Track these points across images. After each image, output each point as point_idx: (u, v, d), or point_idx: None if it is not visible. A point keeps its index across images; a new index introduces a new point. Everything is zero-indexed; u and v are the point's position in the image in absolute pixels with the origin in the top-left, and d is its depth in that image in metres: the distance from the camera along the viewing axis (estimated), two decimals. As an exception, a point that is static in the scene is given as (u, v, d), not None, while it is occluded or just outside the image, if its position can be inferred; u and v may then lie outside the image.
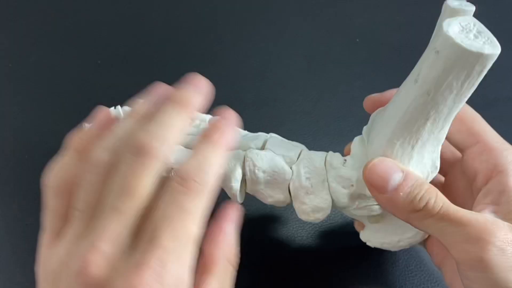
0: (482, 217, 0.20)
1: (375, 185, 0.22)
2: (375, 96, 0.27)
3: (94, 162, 0.19)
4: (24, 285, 0.31)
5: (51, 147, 0.40)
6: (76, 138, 0.22)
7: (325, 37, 0.49)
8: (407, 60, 0.46)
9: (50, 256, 0.20)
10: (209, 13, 0.52)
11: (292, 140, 0.40)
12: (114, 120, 0.23)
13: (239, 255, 0.22)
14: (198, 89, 0.22)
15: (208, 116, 0.32)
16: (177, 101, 0.21)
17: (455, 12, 0.19)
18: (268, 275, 0.32)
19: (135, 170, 0.18)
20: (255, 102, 0.43)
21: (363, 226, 0.30)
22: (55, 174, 0.21)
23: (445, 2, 0.20)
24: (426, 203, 0.21)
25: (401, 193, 0.21)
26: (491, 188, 0.22)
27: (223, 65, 0.47)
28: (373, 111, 0.26)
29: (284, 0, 0.54)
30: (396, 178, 0.21)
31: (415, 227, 0.22)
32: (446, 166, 0.25)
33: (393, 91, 0.26)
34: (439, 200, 0.21)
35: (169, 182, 0.18)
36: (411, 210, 0.21)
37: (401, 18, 0.51)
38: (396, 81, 0.44)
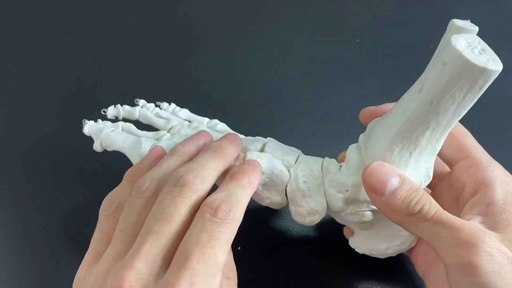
0: (472, 224, 0.21)
1: (374, 188, 0.23)
2: (371, 108, 0.28)
3: (140, 188, 0.23)
4: (24, 284, 0.31)
5: (51, 147, 0.40)
6: (130, 172, 0.26)
7: (325, 37, 0.49)
8: (407, 60, 0.47)
9: (88, 275, 0.22)
10: (209, 13, 0.52)
11: (292, 139, 0.40)
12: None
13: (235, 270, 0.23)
14: (233, 142, 0.26)
15: (206, 119, 0.32)
16: (215, 149, 0.25)
17: (460, 30, 0.21)
18: (264, 264, 0.32)
19: (174, 199, 0.21)
20: (255, 102, 0.43)
21: (351, 233, 0.31)
22: (110, 200, 0.24)
23: (451, 20, 0.22)
24: (421, 207, 0.22)
25: (398, 197, 0.22)
26: (478, 200, 0.24)
27: (223, 65, 0.47)
28: (368, 122, 0.27)
29: (285, 0, 0.54)
30: (393, 182, 0.22)
31: (409, 231, 0.23)
32: (434, 179, 0.26)
33: (389, 105, 0.27)
34: (433, 206, 0.22)
35: (201, 211, 0.21)
36: (407, 214, 0.22)
37: (401, 18, 0.51)
38: (395, 80, 0.45)
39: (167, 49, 0.48)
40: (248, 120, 0.42)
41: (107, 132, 0.30)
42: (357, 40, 0.49)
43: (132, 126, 0.32)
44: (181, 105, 0.41)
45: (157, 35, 0.50)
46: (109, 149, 0.30)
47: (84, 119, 0.31)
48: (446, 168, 0.28)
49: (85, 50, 0.48)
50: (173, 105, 0.33)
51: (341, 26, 0.51)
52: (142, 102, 0.33)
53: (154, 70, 0.46)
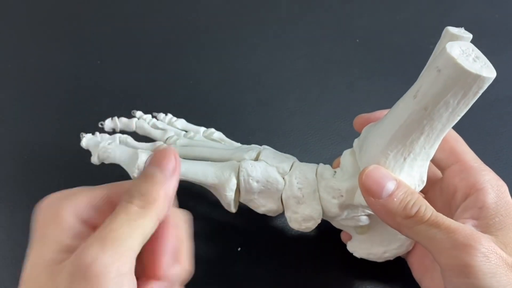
0: (467, 226, 0.22)
1: (371, 190, 0.23)
2: (364, 115, 0.29)
3: None
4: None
5: (51, 147, 0.40)
6: None
7: (325, 38, 0.49)
8: (407, 60, 0.47)
9: None
10: (209, 13, 0.52)
11: (292, 140, 0.40)
12: None
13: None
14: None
15: (202, 128, 0.32)
16: None
17: (454, 37, 0.21)
18: (264, 265, 0.32)
19: None
20: (255, 102, 0.43)
21: (349, 238, 0.31)
22: None
23: (446, 27, 0.22)
24: (418, 210, 0.22)
25: (395, 199, 0.22)
26: (470, 204, 0.24)
27: (222, 66, 0.47)
28: (362, 129, 0.27)
29: (284, 0, 0.54)
30: (390, 186, 0.23)
31: (405, 234, 0.23)
32: (426, 185, 0.26)
33: (383, 111, 0.27)
34: (429, 208, 0.22)
35: None
36: (404, 216, 0.22)
37: (401, 18, 0.51)
38: (395, 81, 0.45)
39: (167, 49, 0.48)
40: (247, 121, 0.42)
41: (104, 146, 0.30)
42: (357, 40, 0.49)
43: (129, 138, 0.32)
44: (181, 105, 0.41)
45: (157, 35, 0.50)
46: (106, 162, 0.30)
47: (82, 133, 0.31)
48: (438, 174, 0.28)
49: (85, 51, 0.48)
50: (169, 115, 0.33)
51: (341, 27, 0.51)
52: (139, 113, 0.33)
53: (154, 71, 0.46)
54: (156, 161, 0.20)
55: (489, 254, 0.20)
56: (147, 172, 0.20)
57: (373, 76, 0.46)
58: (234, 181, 0.27)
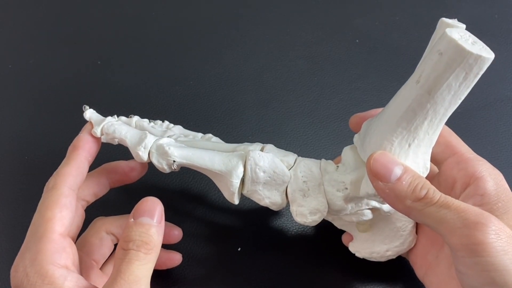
0: (476, 207, 0.22)
1: (379, 175, 0.23)
2: (360, 114, 0.29)
3: None
4: None
5: (51, 148, 0.40)
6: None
7: (325, 38, 0.49)
8: (407, 60, 0.47)
9: None
10: (209, 13, 0.52)
11: (292, 140, 0.40)
12: None
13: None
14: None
15: (200, 134, 0.32)
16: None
17: (449, 27, 0.22)
18: (264, 264, 0.32)
19: None
20: (255, 103, 0.43)
21: (350, 240, 0.31)
22: None
23: (441, 18, 0.23)
24: (427, 192, 0.22)
25: (403, 182, 0.23)
26: (470, 193, 0.25)
27: (223, 66, 0.47)
28: (358, 128, 0.28)
29: (284, 0, 0.54)
30: (397, 170, 0.23)
31: (414, 218, 0.23)
32: None
33: (377, 110, 0.28)
34: (436, 191, 0.22)
35: None
36: (413, 199, 0.22)
37: (401, 19, 0.51)
38: (395, 81, 0.45)
39: (167, 49, 0.48)
40: (247, 121, 0.42)
41: (110, 120, 0.30)
42: (357, 41, 0.49)
43: (145, 123, 0.31)
44: (180, 105, 0.41)
45: (157, 35, 0.50)
46: (108, 137, 0.29)
47: (85, 105, 0.30)
48: (435, 169, 0.29)
49: (85, 51, 0.48)
50: (166, 122, 0.33)
51: (341, 27, 0.51)
52: (136, 118, 0.33)
53: (154, 71, 0.46)
54: (147, 211, 0.24)
55: (500, 232, 0.20)
56: (143, 222, 0.23)
57: (372, 76, 0.46)
58: (241, 169, 0.27)
